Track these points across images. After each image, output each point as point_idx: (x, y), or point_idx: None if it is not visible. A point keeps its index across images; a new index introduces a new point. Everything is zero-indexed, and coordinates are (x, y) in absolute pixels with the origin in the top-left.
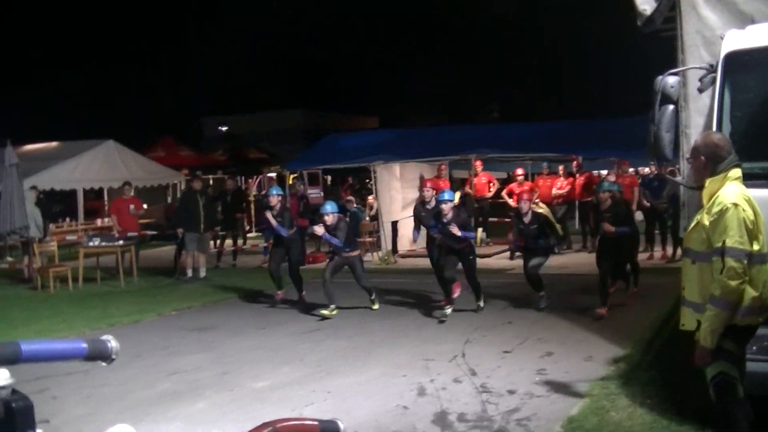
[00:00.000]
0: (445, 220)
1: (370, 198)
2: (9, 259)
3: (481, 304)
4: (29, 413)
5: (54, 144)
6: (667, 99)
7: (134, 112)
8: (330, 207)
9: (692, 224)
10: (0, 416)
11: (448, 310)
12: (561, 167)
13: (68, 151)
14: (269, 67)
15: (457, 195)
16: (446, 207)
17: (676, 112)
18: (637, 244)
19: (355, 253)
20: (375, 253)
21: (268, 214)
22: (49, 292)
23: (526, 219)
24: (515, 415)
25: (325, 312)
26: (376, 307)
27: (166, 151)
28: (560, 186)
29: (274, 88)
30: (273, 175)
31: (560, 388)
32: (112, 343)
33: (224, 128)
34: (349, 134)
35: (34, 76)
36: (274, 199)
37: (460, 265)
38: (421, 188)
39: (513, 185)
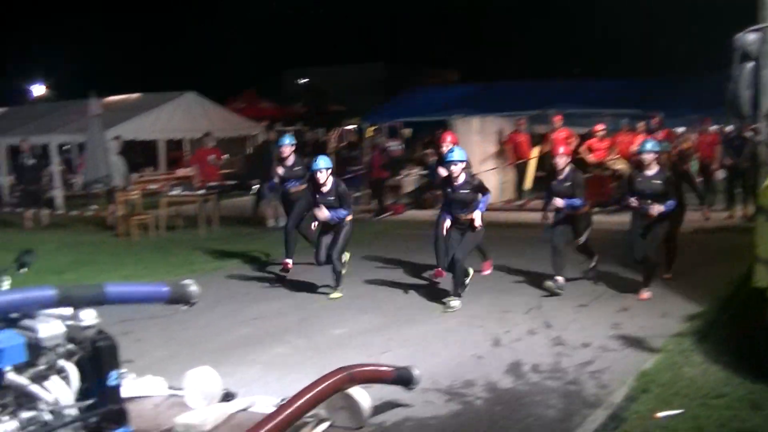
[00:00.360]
0: (456, 184)
1: None
2: (94, 207)
3: (455, 304)
4: (114, 352)
5: (136, 95)
6: (746, 56)
7: (217, 65)
8: (324, 162)
9: (767, 182)
10: (87, 354)
11: (456, 303)
12: (641, 124)
13: (150, 103)
14: (351, 19)
15: (536, 150)
16: (456, 169)
17: (756, 70)
18: (680, 220)
19: (348, 218)
20: None
21: (279, 169)
22: (132, 239)
23: (561, 176)
24: (588, 368)
25: (335, 295)
26: (335, 295)
27: (247, 103)
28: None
29: (355, 41)
30: (352, 127)
31: (634, 342)
32: (193, 287)
33: (304, 81)
34: (429, 88)
35: (119, 30)
36: (287, 150)
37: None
38: (440, 143)
39: (592, 141)
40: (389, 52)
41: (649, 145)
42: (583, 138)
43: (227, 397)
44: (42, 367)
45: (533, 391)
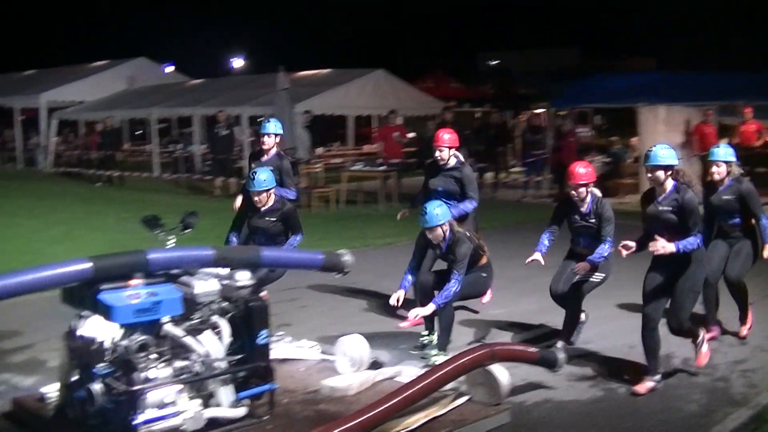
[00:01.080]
0: (438, 252)
1: (634, 139)
2: None
3: (434, 356)
4: (265, 313)
5: (326, 71)
6: None
7: (408, 43)
8: (264, 178)
9: None
10: (239, 312)
11: (427, 340)
12: None
13: (340, 79)
14: (547, 3)
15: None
16: (435, 234)
17: None
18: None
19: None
20: (633, 196)
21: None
22: (312, 211)
23: (582, 208)
24: (740, 366)
25: None
26: None
27: (436, 82)
28: None
29: (551, 25)
30: (540, 111)
31: None
32: (347, 257)
33: (494, 62)
34: (618, 74)
35: (316, 7)
36: (268, 141)
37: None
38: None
39: None
40: (586, 38)
41: (659, 154)
42: None
43: (375, 365)
44: (196, 321)
45: (679, 384)
